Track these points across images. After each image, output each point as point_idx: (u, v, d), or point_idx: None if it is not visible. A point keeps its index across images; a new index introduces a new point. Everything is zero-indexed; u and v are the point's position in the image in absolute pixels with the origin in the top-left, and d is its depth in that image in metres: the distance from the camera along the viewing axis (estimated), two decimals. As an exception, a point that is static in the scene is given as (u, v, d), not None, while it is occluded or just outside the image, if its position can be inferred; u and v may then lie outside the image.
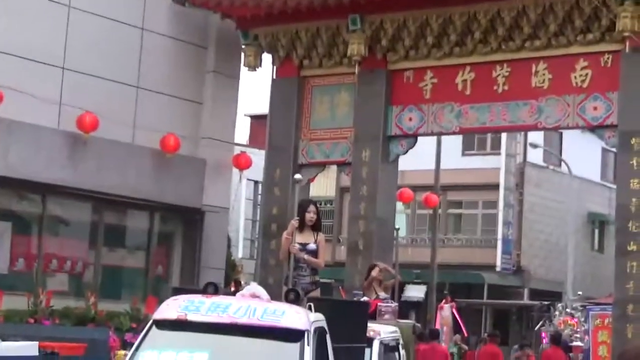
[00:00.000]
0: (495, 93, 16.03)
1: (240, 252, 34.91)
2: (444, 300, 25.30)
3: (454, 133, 18.00)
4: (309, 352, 7.65)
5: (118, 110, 17.33)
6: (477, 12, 15.88)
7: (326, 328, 8.33)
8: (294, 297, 8.48)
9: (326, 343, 8.24)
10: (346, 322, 9.24)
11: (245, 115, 40.30)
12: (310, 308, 8.46)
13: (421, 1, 16.22)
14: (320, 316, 8.36)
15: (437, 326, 23.46)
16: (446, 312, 24.35)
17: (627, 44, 14.47)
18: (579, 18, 14.96)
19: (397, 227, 15.93)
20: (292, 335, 7.81)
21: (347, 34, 16.63)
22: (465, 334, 26.37)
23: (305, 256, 10.83)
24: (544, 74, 15.71)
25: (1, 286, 15.09)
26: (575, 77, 15.39)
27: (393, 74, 17.16)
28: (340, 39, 17.06)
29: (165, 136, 17.45)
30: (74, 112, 16.31)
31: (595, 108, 15.18)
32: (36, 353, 9.33)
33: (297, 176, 11.37)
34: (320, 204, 40.30)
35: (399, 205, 31.80)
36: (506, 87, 15.90)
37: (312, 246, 11.02)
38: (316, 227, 11.23)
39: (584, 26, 15.09)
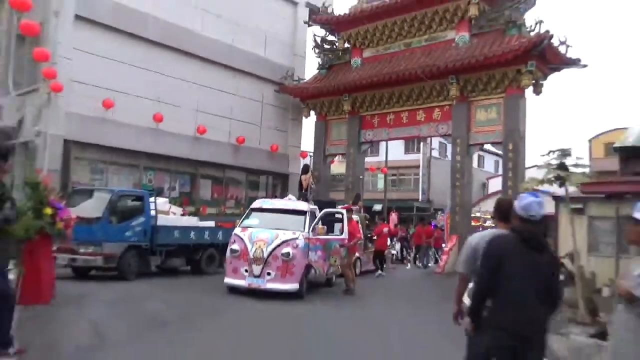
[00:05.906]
0: (402, 122, 26.67)
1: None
2: (392, 211, 33.33)
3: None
4: (307, 219, 14.44)
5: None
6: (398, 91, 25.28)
7: (317, 212, 14.98)
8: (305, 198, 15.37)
9: (315, 216, 14.86)
10: (326, 207, 16.16)
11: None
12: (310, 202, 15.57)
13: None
14: (314, 206, 15.40)
15: (391, 224, 29.65)
16: (393, 216, 31.43)
17: (454, 101, 24.21)
18: (439, 89, 24.49)
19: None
20: (301, 212, 14.68)
21: (343, 101, 27.75)
22: (397, 223, 32.09)
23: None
24: (422, 114, 26.19)
25: None
26: (434, 115, 25.53)
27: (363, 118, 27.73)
28: (341, 104, 28.13)
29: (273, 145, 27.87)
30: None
31: (442, 128, 25.19)
32: None
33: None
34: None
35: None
36: (406, 120, 26.75)
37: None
38: None
39: (440, 92, 24.67)
